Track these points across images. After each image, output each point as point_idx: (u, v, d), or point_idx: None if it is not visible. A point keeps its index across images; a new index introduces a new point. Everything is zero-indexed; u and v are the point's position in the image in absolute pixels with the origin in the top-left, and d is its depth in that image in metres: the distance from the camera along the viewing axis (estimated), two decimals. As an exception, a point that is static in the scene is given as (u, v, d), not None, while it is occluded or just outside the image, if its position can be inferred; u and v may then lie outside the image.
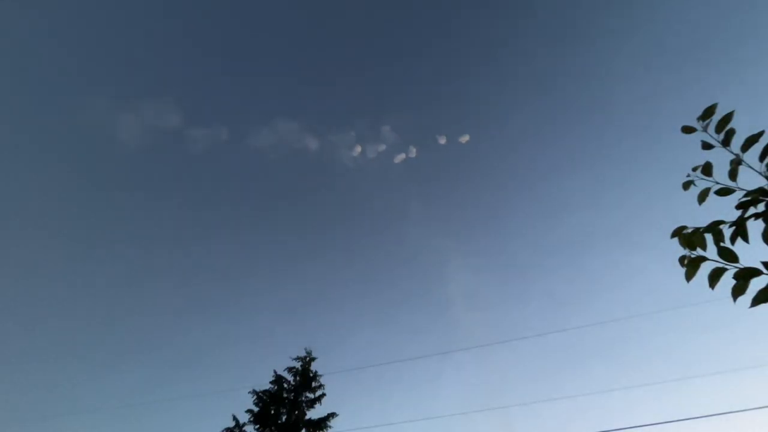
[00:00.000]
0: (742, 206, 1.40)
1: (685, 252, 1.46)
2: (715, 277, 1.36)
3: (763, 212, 1.34)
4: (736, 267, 1.32)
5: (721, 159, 1.53)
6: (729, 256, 1.35)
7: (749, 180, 1.43)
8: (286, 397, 15.09)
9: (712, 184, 1.54)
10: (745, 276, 1.29)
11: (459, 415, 17.94)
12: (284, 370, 15.74)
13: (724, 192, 1.51)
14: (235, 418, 14.50)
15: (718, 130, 1.53)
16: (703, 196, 1.57)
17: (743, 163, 1.46)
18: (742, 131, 1.49)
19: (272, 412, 14.64)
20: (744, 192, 1.43)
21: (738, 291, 1.30)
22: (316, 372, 15.80)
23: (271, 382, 15.50)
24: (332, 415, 14.88)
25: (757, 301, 1.27)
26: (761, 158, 1.41)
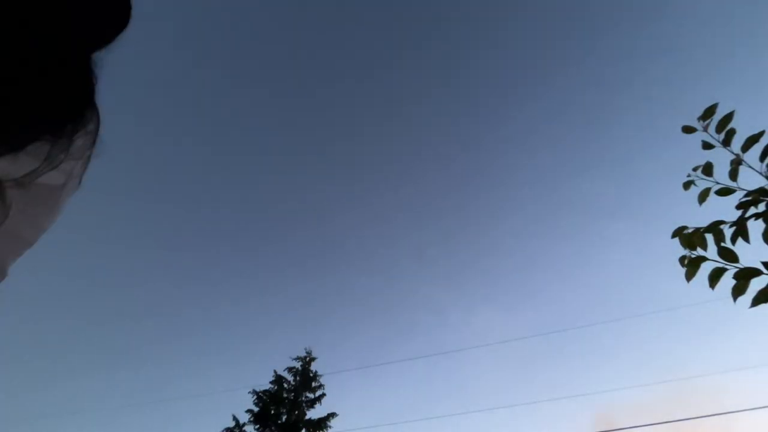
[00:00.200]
0: (743, 206, 1.40)
1: (686, 252, 1.46)
2: (715, 277, 1.37)
3: (764, 212, 1.35)
4: (737, 267, 1.32)
5: (721, 159, 1.53)
6: (729, 256, 1.35)
7: (749, 180, 1.44)
8: (286, 397, 15.11)
9: (713, 184, 1.55)
10: (745, 276, 1.29)
11: (459, 415, 17.96)
12: (284, 370, 15.78)
13: (724, 192, 1.51)
14: (235, 418, 14.53)
15: (719, 130, 1.53)
16: (703, 196, 1.57)
17: (744, 163, 1.46)
18: (742, 131, 1.49)
19: (272, 412, 14.66)
20: (744, 192, 1.43)
21: (738, 291, 1.31)
22: (316, 372, 15.83)
23: (271, 382, 15.53)
24: (332, 415, 14.91)
25: (757, 301, 1.27)
26: (761, 158, 1.41)
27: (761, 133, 1.42)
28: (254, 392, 15.17)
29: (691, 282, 1.46)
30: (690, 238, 1.45)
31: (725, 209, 1.48)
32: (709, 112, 1.56)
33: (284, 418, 14.65)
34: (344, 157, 38.50)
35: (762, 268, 1.27)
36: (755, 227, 1.36)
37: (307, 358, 16.10)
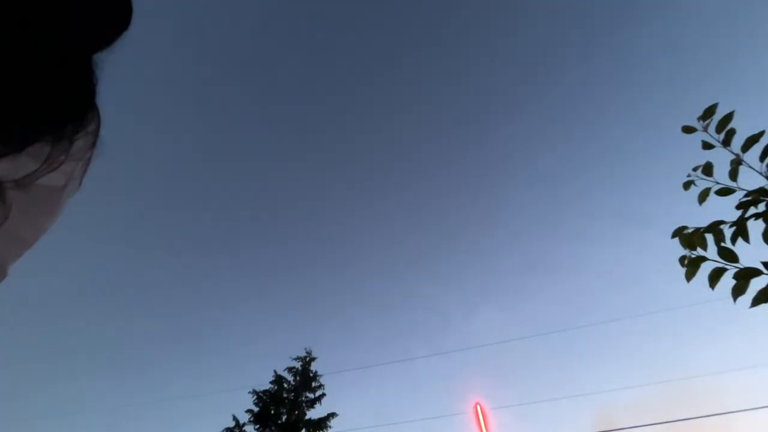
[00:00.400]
0: (743, 206, 1.40)
1: (686, 252, 1.46)
2: (715, 277, 1.37)
3: (764, 212, 1.35)
4: (737, 267, 1.32)
5: (721, 159, 1.53)
6: (729, 256, 1.35)
7: (749, 180, 1.44)
8: (286, 397, 15.11)
9: (713, 184, 1.55)
10: (745, 276, 1.29)
11: (458, 415, 17.95)
12: (284, 370, 15.77)
13: (724, 192, 1.51)
14: (235, 418, 14.52)
15: (719, 130, 1.53)
16: (703, 196, 1.57)
17: (744, 163, 1.46)
18: (742, 131, 1.49)
19: (272, 412, 14.66)
20: (744, 192, 1.43)
21: (738, 291, 1.31)
22: (316, 372, 15.83)
23: (271, 382, 15.53)
24: (332, 415, 14.90)
25: (757, 301, 1.27)
26: (761, 158, 1.41)
27: (761, 133, 1.42)
28: (254, 392, 15.17)
29: (691, 282, 1.46)
30: (690, 238, 1.45)
31: (725, 209, 1.48)
32: (709, 112, 1.56)
33: (284, 418, 14.65)
34: (345, 159, 38.50)
35: (762, 268, 1.27)
36: (755, 227, 1.36)
37: (307, 358, 16.10)
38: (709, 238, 1.43)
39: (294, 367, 15.85)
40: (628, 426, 11.02)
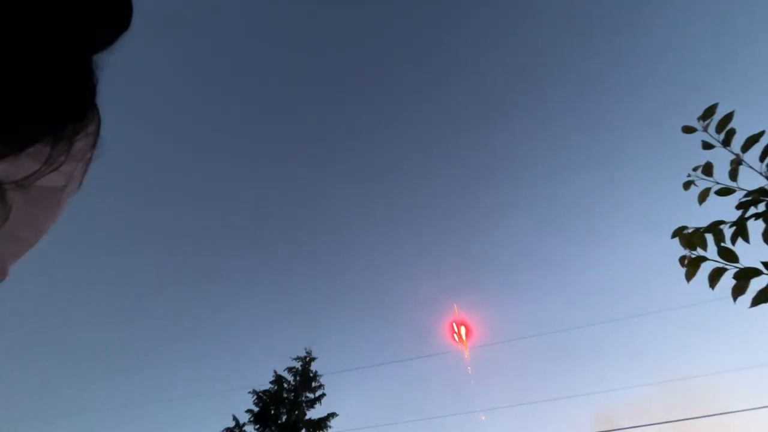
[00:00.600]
0: (743, 206, 1.40)
1: (686, 252, 1.46)
2: (715, 277, 1.36)
3: (764, 212, 1.35)
4: (737, 267, 1.32)
5: (721, 159, 1.53)
6: (729, 256, 1.35)
7: (749, 180, 1.44)
8: (286, 397, 15.10)
9: (713, 184, 1.55)
10: (745, 276, 1.29)
11: (459, 415, 17.95)
12: (284, 370, 15.76)
13: (724, 192, 1.51)
14: (235, 418, 14.51)
15: (719, 130, 1.53)
16: (703, 196, 1.57)
17: (743, 163, 1.46)
18: (742, 131, 1.49)
19: (272, 412, 14.65)
20: (744, 192, 1.43)
21: (738, 291, 1.30)
22: (316, 372, 15.82)
23: (271, 382, 15.52)
24: (332, 415, 14.90)
25: (757, 301, 1.27)
26: (761, 158, 1.41)
27: (761, 133, 1.42)
28: (254, 392, 15.15)
29: (691, 282, 1.46)
30: (690, 238, 1.45)
31: (725, 209, 1.48)
32: (709, 112, 1.56)
33: (284, 418, 14.64)
34: (345, 160, 38.49)
35: (762, 268, 1.27)
36: (755, 227, 1.36)
37: (307, 358, 16.09)
38: (709, 238, 1.43)
39: (294, 367, 15.84)
40: (628, 426, 11.02)
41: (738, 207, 1.42)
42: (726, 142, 1.52)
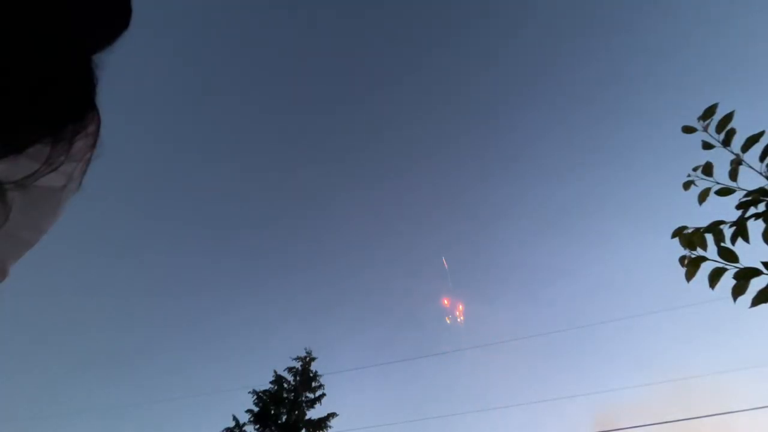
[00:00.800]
0: (743, 206, 1.40)
1: (686, 252, 1.46)
2: (715, 277, 1.36)
3: (764, 212, 1.34)
4: (737, 267, 1.32)
5: (721, 159, 1.53)
6: (729, 256, 1.35)
7: (749, 180, 1.43)
8: (286, 397, 15.09)
9: (713, 184, 1.54)
10: (745, 276, 1.29)
11: (459, 415, 17.94)
12: (284, 370, 15.75)
13: (724, 192, 1.51)
14: (235, 418, 14.51)
15: (719, 130, 1.53)
16: (703, 196, 1.57)
17: (743, 163, 1.46)
18: (742, 131, 1.49)
19: (272, 412, 14.64)
20: (744, 192, 1.43)
21: (738, 291, 1.30)
22: (316, 372, 15.81)
23: (271, 382, 15.51)
24: (332, 415, 14.89)
25: (757, 301, 1.27)
26: (761, 158, 1.41)
27: (761, 133, 1.42)
28: (254, 392, 15.15)
29: (691, 282, 1.45)
30: (690, 238, 1.45)
31: (725, 209, 1.48)
32: (709, 112, 1.55)
33: (284, 418, 14.63)
34: (345, 159, 38.46)
35: (762, 268, 1.27)
36: (755, 227, 1.35)
37: (307, 358, 16.08)
38: (709, 238, 1.43)
39: (294, 367, 15.83)
40: (628, 426, 11.02)
41: (738, 207, 1.41)
42: (726, 142, 1.52)
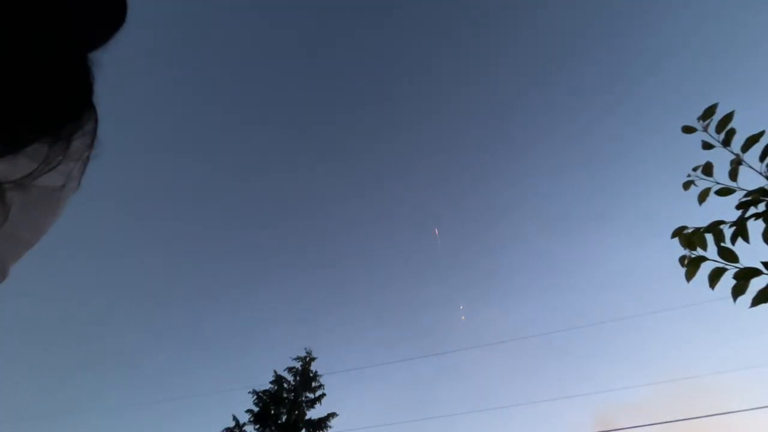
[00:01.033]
0: (743, 206, 1.40)
1: (686, 252, 1.46)
2: (715, 277, 1.36)
3: (764, 212, 1.34)
4: (737, 267, 1.32)
5: (721, 159, 1.53)
6: (729, 256, 1.35)
7: (749, 180, 1.43)
8: (286, 397, 15.10)
9: (713, 184, 1.54)
10: (745, 276, 1.29)
11: (459, 415, 17.95)
12: (284, 370, 15.77)
13: (724, 192, 1.51)
14: (235, 418, 14.52)
15: (719, 130, 1.53)
16: (703, 196, 1.57)
17: (743, 163, 1.46)
18: (742, 131, 1.49)
19: (272, 412, 14.65)
20: (744, 192, 1.43)
21: (738, 291, 1.30)
22: (316, 372, 15.82)
23: (271, 382, 15.52)
24: (332, 415, 14.90)
25: (757, 301, 1.27)
26: (761, 158, 1.40)
27: (761, 133, 1.42)
28: (254, 392, 15.16)
29: (691, 282, 1.45)
30: (690, 238, 1.45)
31: (725, 209, 1.48)
32: (709, 112, 1.55)
33: (284, 418, 14.64)
34: (345, 158, 38.50)
35: (762, 268, 1.27)
36: (755, 227, 1.35)
37: (307, 358, 16.10)
38: (709, 238, 1.43)
39: (294, 367, 15.85)
40: (628, 426, 11.02)
41: (738, 207, 1.41)
42: (726, 142, 1.52)
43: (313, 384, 15.54)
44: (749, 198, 1.39)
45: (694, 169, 1.59)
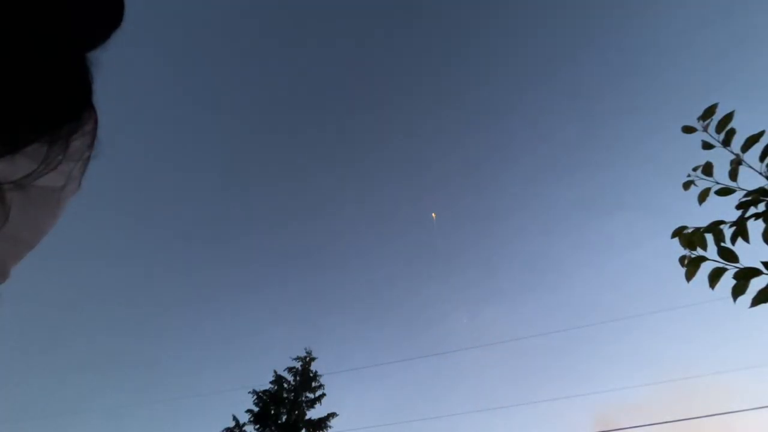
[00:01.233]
0: (743, 206, 1.40)
1: (686, 252, 1.46)
2: (715, 277, 1.36)
3: (764, 212, 1.34)
4: (736, 267, 1.32)
5: (721, 159, 1.53)
6: (729, 256, 1.35)
7: (749, 180, 1.43)
8: (286, 397, 15.09)
9: (713, 184, 1.54)
10: (745, 276, 1.29)
11: (459, 415, 17.94)
12: (284, 370, 15.75)
13: (724, 192, 1.51)
14: (235, 418, 14.50)
15: (719, 130, 1.53)
16: (703, 196, 1.57)
17: (743, 163, 1.46)
18: (742, 131, 1.49)
19: (272, 412, 14.64)
20: (744, 192, 1.43)
21: (738, 291, 1.30)
22: (316, 372, 15.81)
23: (271, 382, 15.50)
24: (332, 415, 14.89)
25: (757, 301, 1.27)
26: (761, 158, 1.40)
27: (761, 133, 1.42)
28: (254, 392, 15.14)
29: (691, 282, 1.45)
30: (690, 238, 1.45)
31: (725, 209, 1.48)
32: (709, 112, 1.55)
33: (284, 418, 14.63)
34: (345, 158, 38.48)
35: (762, 268, 1.26)
36: (755, 227, 1.35)
37: (307, 358, 16.08)
38: (709, 238, 1.43)
39: (294, 367, 15.83)
40: (628, 426, 11.01)
41: (738, 207, 1.41)
42: (726, 142, 1.52)
43: (313, 384, 15.52)
44: (749, 198, 1.39)
45: (694, 169, 1.59)
